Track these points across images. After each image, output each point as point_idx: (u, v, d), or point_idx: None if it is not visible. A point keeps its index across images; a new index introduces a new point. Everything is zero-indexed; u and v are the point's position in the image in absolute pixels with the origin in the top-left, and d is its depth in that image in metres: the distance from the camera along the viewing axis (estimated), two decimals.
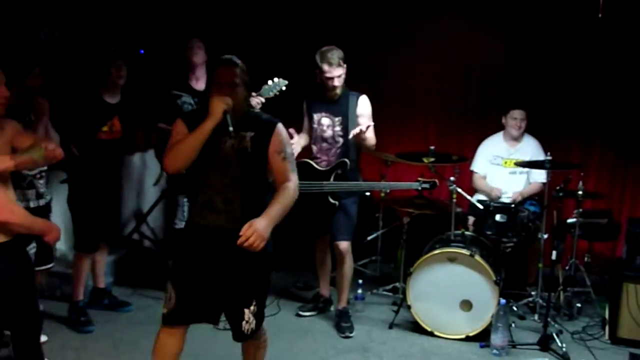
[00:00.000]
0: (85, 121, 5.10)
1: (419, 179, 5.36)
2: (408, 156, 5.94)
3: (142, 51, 6.32)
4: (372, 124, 5.15)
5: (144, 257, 6.36)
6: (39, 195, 4.63)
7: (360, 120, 5.18)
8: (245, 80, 3.55)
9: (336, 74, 5.11)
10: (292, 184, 3.54)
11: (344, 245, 5.37)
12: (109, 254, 5.82)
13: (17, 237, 3.52)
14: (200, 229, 3.56)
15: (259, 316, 3.67)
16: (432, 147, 5.58)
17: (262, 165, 3.53)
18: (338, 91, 5.21)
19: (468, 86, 7.10)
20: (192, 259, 3.58)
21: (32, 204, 4.52)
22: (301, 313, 5.66)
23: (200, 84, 5.66)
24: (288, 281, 6.40)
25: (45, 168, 4.63)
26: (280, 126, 3.57)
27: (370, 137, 5.11)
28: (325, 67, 5.08)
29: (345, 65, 5.15)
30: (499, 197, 6.06)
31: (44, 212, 4.60)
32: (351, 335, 5.32)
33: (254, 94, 5.23)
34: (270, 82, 5.26)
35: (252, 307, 3.60)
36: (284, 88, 5.28)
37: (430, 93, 7.18)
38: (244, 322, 3.61)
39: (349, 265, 5.43)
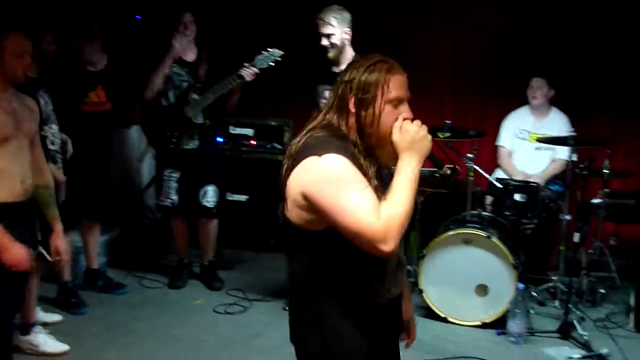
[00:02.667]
0: (65, 91, 4.83)
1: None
2: None
3: (139, 17, 6.05)
4: None
5: (140, 237, 6.12)
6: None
7: None
8: None
9: (325, 32, 4.78)
10: None
11: None
12: (103, 233, 5.58)
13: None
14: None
15: None
16: (448, 122, 5.35)
17: None
18: (331, 54, 4.86)
19: (488, 58, 6.75)
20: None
21: None
22: (287, 308, 5.24)
23: (190, 56, 5.36)
24: None
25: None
26: None
27: None
28: (317, 22, 4.80)
29: (344, 28, 4.81)
30: None
31: None
32: None
33: (246, 64, 4.99)
34: (264, 52, 5.02)
35: None
36: (279, 58, 5.03)
37: (446, 64, 6.83)
38: None
39: None
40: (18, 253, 3.24)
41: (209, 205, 5.44)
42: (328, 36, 4.80)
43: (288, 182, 2.22)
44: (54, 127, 4.48)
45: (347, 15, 4.83)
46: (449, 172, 5.05)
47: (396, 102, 2.25)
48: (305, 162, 2.16)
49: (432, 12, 6.70)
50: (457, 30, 6.72)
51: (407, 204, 2.12)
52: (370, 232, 2.06)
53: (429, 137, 2.25)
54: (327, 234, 2.18)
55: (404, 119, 2.24)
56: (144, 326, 4.84)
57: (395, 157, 2.22)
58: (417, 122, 2.25)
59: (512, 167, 5.99)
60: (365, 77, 2.24)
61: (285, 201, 2.25)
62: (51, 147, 4.40)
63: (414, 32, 6.72)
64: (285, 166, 2.27)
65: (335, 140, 2.20)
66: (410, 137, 2.20)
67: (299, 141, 2.26)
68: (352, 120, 2.25)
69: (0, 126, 3.22)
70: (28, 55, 3.34)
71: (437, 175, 5.04)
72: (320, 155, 2.13)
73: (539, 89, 5.86)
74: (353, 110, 2.24)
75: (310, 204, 2.15)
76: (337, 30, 4.79)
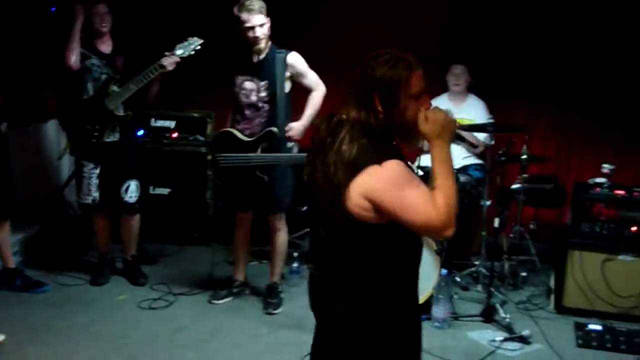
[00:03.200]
0: None
1: None
2: None
3: (54, 9, 5.87)
4: (310, 76, 4.89)
5: (60, 234, 5.96)
6: None
7: (297, 79, 4.87)
8: None
9: (257, 22, 4.69)
10: None
11: (276, 217, 5.06)
12: (20, 231, 5.40)
13: None
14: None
15: None
16: None
17: None
18: (261, 45, 4.79)
19: (409, 46, 6.73)
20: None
21: None
22: (214, 301, 5.17)
23: (107, 48, 5.21)
24: (222, 256, 6.04)
25: None
26: None
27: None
28: (244, 15, 4.67)
29: (268, 19, 4.75)
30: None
31: None
32: (275, 312, 5.04)
33: (167, 53, 4.91)
34: (184, 41, 4.96)
35: None
36: (198, 47, 4.96)
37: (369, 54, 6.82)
38: None
39: (282, 239, 5.13)
40: None
41: (131, 201, 5.34)
42: (261, 25, 4.72)
43: (349, 189, 2.28)
44: None
45: (262, 2, 4.76)
46: None
47: (418, 95, 2.38)
48: (368, 170, 2.26)
49: (356, 9, 6.72)
50: (378, 18, 6.74)
51: (453, 186, 2.32)
52: (436, 221, 2.24)
53: (454, 119, 2.43)
54: (390, 227, 2.31)
55: (426, 109, 2.38)
56: (65, 324, 4.71)
57: (415, 144, 2.47)
58: (437, 108, 2.40)
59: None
60: (389, 75, 2.34)
61: (343, 203, 2.30)
62: None
63: (336, 21, 6.72)
64: (331, 171, 2.33)
65: (383, 146, 2.33)
66: (439, 125, 2.35)
67: (345, 149, 2.31)
68: (381, 117, 2.35)
69: None
70: None
71: None
72: (380, 163, 2.26)
73: (460, 75, 5.94)
74: (380, 108, 2.34)
75: (375, 206, 2.27)
76: (265, 18, 4.73)
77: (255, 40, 4.75)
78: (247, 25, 4.69)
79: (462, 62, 6.01)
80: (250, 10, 4.66)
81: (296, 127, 4.86)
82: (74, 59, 5.03)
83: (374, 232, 2.33)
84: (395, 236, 2.34)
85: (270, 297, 5.13)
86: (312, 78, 4.92)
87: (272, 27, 4.84)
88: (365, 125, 2.34)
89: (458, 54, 6.39)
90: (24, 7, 5.45)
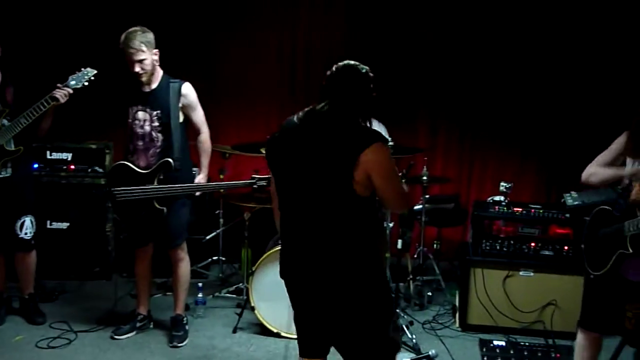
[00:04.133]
0: None
1: (254, 175, 4.97)
2: (245, 147, 5.62)
3: None
4: (199, 111, 4.85)
5: None
6: None
7: (187, 111, 4.81)
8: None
9: (136, 58, 4.63)
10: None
11: (179, 249, 4.97)
12: None
13: None
14: None
15: None
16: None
17: None
18: (144, 78, 4.73)
19: (310, 71, 6.82)
20: None
21: None
22: (116, 337, 5.00)
23: None
24: (124, 289, 5.89)
25: None
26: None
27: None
28: (126, 50, 4.63)
29: (152, 50, 4.69)
30: None
31: None
32: (180, 345, 4.93)
33: (59, 85, 4.78)
34: (77, 72, 4.84)
35: None
36: (92, 78, 4.85)
37: (271, 80, 6.86)
38: None
39: (185, 270, 5.04)
40: None
41: (26, 238, 5.13)
42: (140, 61, 4.66)
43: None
44: None
45: (152, 36, 4.70)
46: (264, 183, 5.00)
47: None
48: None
49: (254, 33, 6.78)
50: (279, 48, 6.79)
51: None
52: (407, 195, 3.33)
53: None
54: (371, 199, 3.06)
55: None
56: None
57: None
58: None
59: None
60: None
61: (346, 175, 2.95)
62: None
63: (237, 53, 6.74)
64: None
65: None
66: None
67: None
68: None
69: None
70: None
71: (256, 187, 4.99)
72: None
73: None
74: None
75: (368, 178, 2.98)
76: (147, 54, 4.66)
77: (137, 75, 4.70)
78: (129, 59, 4.65)
79: None
80: (129, 46, 4.61)
81: (203, 181, 4.90)
82: None
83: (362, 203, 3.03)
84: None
85: (175, 330, 5.02)
86: (199, 114, 4.90)
87: (167, 57, 4.81)
88: None
89: None
90: None
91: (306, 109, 3.21)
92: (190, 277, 5.13)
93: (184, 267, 5.02)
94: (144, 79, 4.72)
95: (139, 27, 4.69)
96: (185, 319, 5.11)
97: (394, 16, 6.57)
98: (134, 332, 5.08)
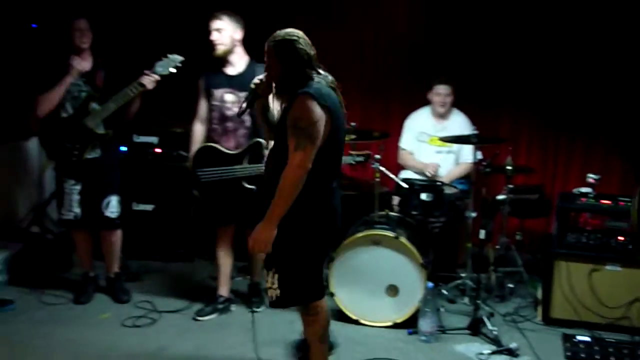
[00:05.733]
0: None
1: (351, 152, 4.97)
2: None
3: (35, 25, 5.82)
4: None
5: (43, 252, 5.87)
6: None
7: None
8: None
9: (215, 26, 4.78)
10: (291, 164, 3.45)
11: None
12: (2, 249, 5.31)
13: None
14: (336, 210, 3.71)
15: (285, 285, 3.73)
16: (353, 124, 5.35)
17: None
18: (219, 52, 4.83)
19: (392, 58, 6.78)
20: (331, 237, 3.82)
21: None
22: (198, 318, 5.11)
23: (86, 65, 5.14)
24: (206, 272, 6.01)
25: None
26: (301, 97, 3.47)
27: None
28: (210, 19, 4.80)
29: (235, 28, 4.81)
30: (436, 172, 5.79)
31: None
32: (258, 310, 5.09)
33: (146, 71, 4.89)
34: (164, 58, 4.93)
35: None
36: (179, 65, 4.94)
37: (351, 66, 6.81)
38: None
39: None
40: None
41: (111, 216, 5.28)
42: (218, 30, 4.78)
43: None
44: None
45: (239, 18, 4.82)
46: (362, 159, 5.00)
47: None
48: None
49: (338, 18, 6.72)
50: (360, 36, 6.75)
51: None
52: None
53: None
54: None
55: None
56: (46, 343, 4.63)
57: None
58: None
59: (417, 162, 5.97)
60: None
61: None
62: None
63: (319, 38, 6.69)
64: None
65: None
66: None
67: None
68: None
69: None
70: None
71: (354, 162, 4.99)
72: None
73: (447, 96, 5.85)
74: None
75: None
76: (226, 26, 4.77)
77: (213, 44, 4.82)
78: (210, 29, 4.81)
79: (446, 78, 5.91)
80: (213, 15, 4.80)
81: None
82: (46, 112, 5.01)
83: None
84: None
85: (253, 296, 5.19)
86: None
87: (251, 43, 4.86)
88: None
89: (440, 67, 6.39)
90: (4, 22, 5.39)
91: (324, 73, 3.68)
92: None
93: None
94: (218, 51, 4.82)
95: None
96: (262, 285, 5.18)
97: (477, 9, 6.48)
98: (215, 314, 5.17)
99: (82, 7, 5.27)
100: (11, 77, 4.93)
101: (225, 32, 4.78)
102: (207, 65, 4.97)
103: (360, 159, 4.92)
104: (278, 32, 3.61)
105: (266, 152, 4.70)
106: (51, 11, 6.07)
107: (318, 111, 3.43)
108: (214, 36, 4.79)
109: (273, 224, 3.49)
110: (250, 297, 5.21)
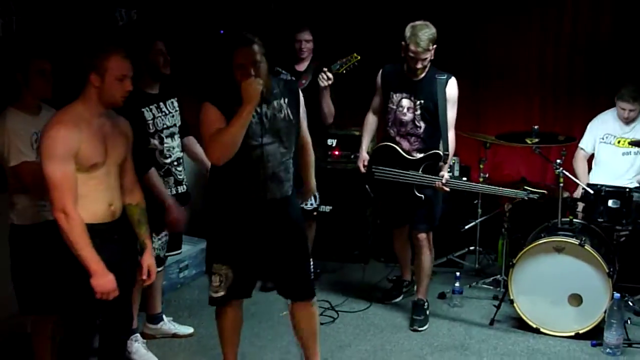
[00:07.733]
0: None
1: (526, 187, 4.95)
2: (509, 137, 5.51)
3: (223, 31, 6.07)
4: (454, 110, 4.83)
5: None
6: (178, 183, 4.52)
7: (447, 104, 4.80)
8: (264, 53, 3.56)
9: (422, 57, 4.67)
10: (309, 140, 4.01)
11: (423, 235, 5.03)
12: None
13: (123, 218, 3.48)
14: (267, 202, 3.72)
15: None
16: (536, 127, 5.21)
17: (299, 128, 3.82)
18: (419, 73, 4.79)
19: (574, 61, 6.54)
20: (254, 234, 3.75)
21: (172, 191, 4.43)
22: (386, 302, 5.49)
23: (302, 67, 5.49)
24: (381, 274, 6.05)
25: (181, 154, 4.53)
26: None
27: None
28: (412, 47, 4.63)
29: (434, 47, 4.69)
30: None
31: (183, 199, 4.53)
32: (420, 329, 5.01)
33: (324, 69, 5.00)
34: (344, 58, 5.09)
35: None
36: (356, 64, 5.05)
37: (532, 69, 6.66)
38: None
39: (427, 256, 5.09)
40: (107, 282, 3.23)
41: (307, 209, 5.49)
42: (424, 60, 4.71)
43: None
44: (170, 141, 4.41)
45: (435, 31, 4.67)
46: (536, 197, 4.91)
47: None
48: None
49: (518, 18, 6.60)
50: (543, 34, 6.58)
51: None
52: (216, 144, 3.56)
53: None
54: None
55: None
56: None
57: None
58: None
59: (582, 172, 5.80)
60: None
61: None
62: (164, 160, 4.38)
63: (500, 39, 6.62)
64: None
65: None
66: None
67: None
68: None
69: (89, 155, 3.20)
70: (129, 80, 3.28)
71: (526, 198, 4.92)
72: None
73: (631, 111, 5.53)
74: None
75: None
76: (431, 52, 4.70)
77: (416, 70, 4.77)
78: (412, 56, 4.68)
79: (631, 97, 5.53)
80: (418, 44, 4.60)
81: (446, 176, 4.79)
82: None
83: None
84: None
85: (415, 314, 5.12)
86: (452, 115, 4.83)
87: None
88: None
89: (625, 67, 6.12)
90: (194, 29, 5.68)
91: None
92: (432, 264, 5.21)
93: (427, 254, 5.08)
94: (419, 73, 4.79)
95: (424, 21, 4.69)
96: (426, 303, 5.16)
97: None
98: (401, 297, 5.50)
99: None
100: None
101: (429, 59, 4.73)
102: (388, 61, 5.01)
103: (534, 196, 4.86)
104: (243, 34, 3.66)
105: (442, 165, 4.78)
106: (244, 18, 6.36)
107: None
108: (419, 65, 4.69)
109: None
110: (412, 315, 5.13)
